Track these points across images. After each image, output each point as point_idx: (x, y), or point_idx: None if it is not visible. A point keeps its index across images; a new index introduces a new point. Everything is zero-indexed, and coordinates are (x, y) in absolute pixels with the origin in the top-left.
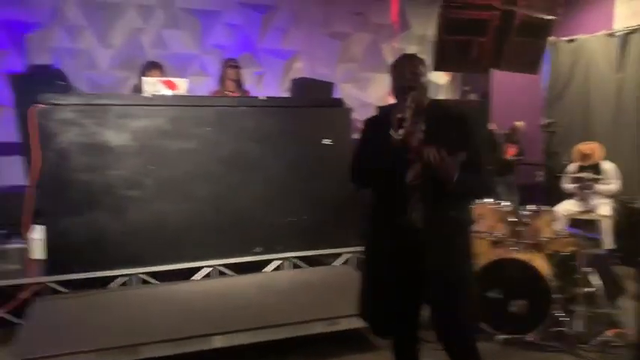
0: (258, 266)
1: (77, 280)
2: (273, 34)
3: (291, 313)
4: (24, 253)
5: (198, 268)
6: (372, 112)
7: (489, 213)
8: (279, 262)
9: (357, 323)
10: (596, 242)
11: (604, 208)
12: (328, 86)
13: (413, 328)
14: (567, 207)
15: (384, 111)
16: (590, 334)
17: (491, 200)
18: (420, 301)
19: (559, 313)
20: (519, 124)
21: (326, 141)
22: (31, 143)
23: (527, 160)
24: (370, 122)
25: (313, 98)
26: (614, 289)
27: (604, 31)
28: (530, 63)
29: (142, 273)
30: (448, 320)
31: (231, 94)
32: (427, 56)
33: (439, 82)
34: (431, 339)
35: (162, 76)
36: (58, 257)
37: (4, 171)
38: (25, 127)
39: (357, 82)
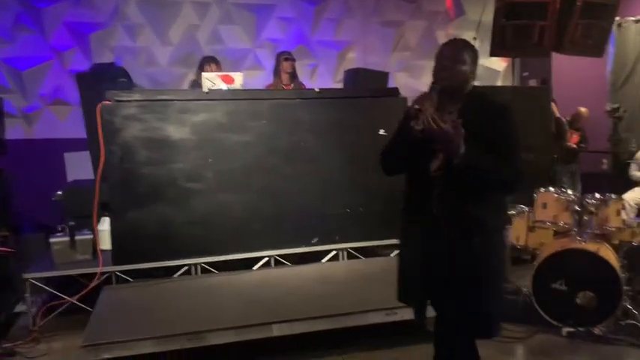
0: (315, 257)
1: (143, 269)
2: (326, 26)
3: (349, 302)
4: (93, 243)
5: (258, 258)
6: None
7: (553, 202)
8: (335, 252)
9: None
10: None
11: None
12: (383, 76)
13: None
14: (635, 195)
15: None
16: None
17: (554, 189)
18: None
19: (628, 306)
20: (582, 110)
21: (382, 132)
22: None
23: (592, 147)
24: (409, 109)
25: (368, 88)
26: None
27: None
28: (594, 45)
29: (204, 263)
30: (461, 322)
31: (285, 87)
32: (482, 42)
33: (497, 68)
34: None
35: (218, 71)
36: (124, 248)
37: (75, 166)
38: (91, 124)
39: (412, 70)
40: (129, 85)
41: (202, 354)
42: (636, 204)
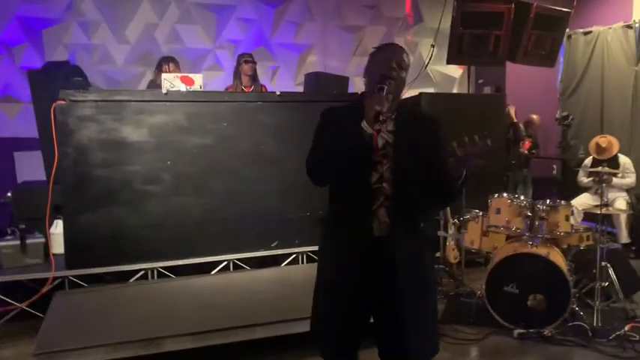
0: (274, 260)
1: (97, 274)
2: (286, 28)
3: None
4: (44, 247)
5: (216, 263)
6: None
7: (506, 207)
8: (295, 255)
9: None
10: (613, 236)
11: (620, 202)
12: (343, 80)
13: (356, 349)
14: (583, 201)
15: (350, 104)
16: (607, 328)
17: (507, 194)
18: (367, 320)
19: (575, 308)
20: (534, 117)
21: None
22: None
23: (543, 153)
24: (330, 115)
25: (329, 93)
26: (630, 283)
27: (622, 23)
28: (546, 55)
29: (160, 267)
30: (414, 345)
31: (246, 89)
32: (440, 50)
33: (453, 74)
34: None
35: (177, 71)
36: (77, 252)
37: (25, 166)
38: (43, 123)
39: None
40: (84, 84)
41: None
42: (583, 209)
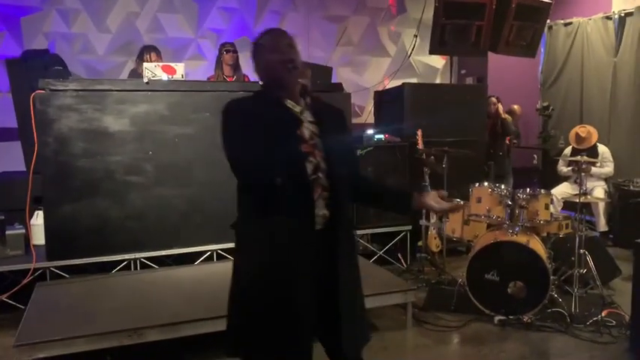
0: None
1: (79, 265)
2: (269, 18)
3: None
4: (25, 238)
5: (200, 253)
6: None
7: (487, 196)
8: None
9: None
10: (591, 224)
11: (599, 191)
12: (327, 70)
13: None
14: (563, 190)
15: (261, 95)
16: (584, 314)
17: (488, 184)
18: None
19: (555, 295)
20: (516, 107)
21: None
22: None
23: (524, 143)
24: (238, 106)
25: (313, 83)
26: (607, 270)
27: (601, 14)
28: (527, 46)
29: (143, 258)
30: (356, 336)
31: (228, 78)
32: (422, 40)
33: (436, 65)
34: None
35: (159, 61)
36: (58, 243)
37: (3, 157)
38: (22, 113)
39: (354, 65)
40: (64, 73)
41: (144, 351)
42: (563, 198)
